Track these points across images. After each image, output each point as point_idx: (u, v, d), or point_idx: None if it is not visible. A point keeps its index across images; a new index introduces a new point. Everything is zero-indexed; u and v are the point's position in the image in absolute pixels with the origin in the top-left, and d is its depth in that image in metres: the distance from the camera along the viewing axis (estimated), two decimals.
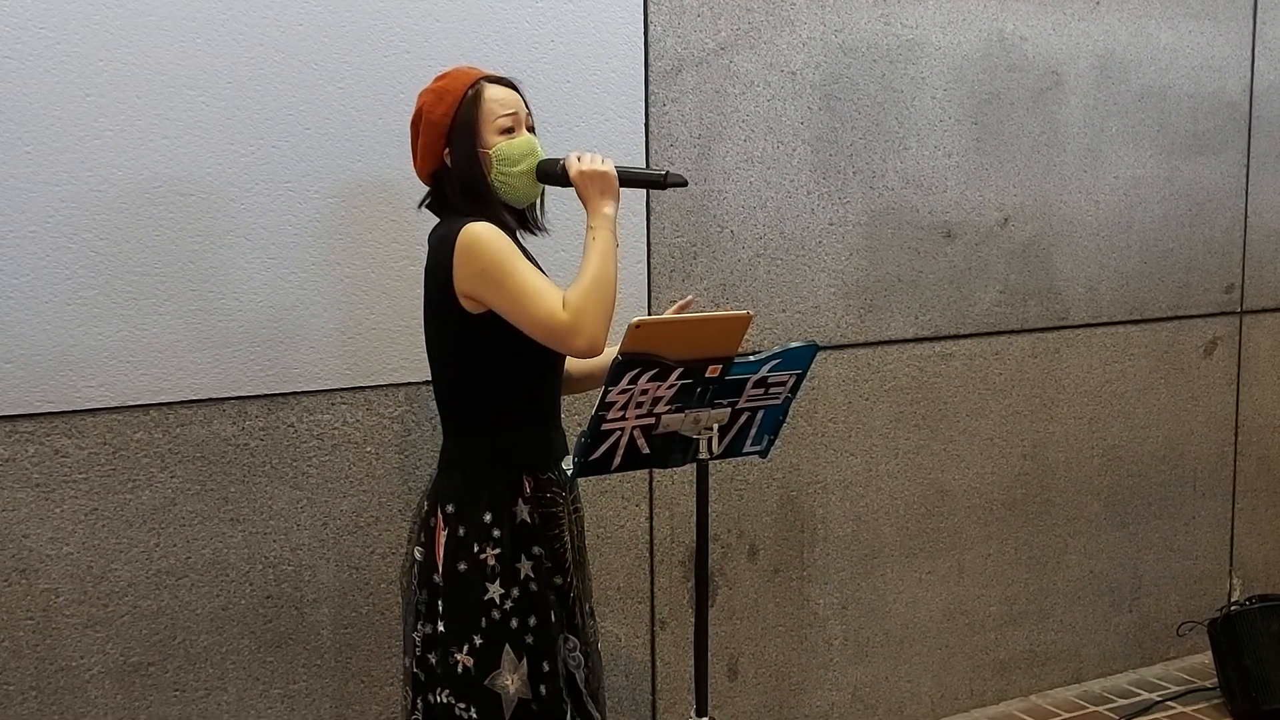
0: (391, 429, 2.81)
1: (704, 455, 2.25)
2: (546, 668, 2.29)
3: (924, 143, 3.47)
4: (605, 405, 2.07)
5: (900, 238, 3.47)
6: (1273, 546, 4.32)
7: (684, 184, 2.33)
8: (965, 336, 3.63)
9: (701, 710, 2.34)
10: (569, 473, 2.18)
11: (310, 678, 2.78)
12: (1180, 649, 4.14)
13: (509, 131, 2.29)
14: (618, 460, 2.17)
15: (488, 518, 2.27)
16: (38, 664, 2.52)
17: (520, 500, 2.29)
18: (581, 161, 2.28)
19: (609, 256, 2.24)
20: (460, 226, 2.22)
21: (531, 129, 2.36)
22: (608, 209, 2.27)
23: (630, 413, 2.11)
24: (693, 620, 3.19)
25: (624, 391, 2.08)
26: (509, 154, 2.28)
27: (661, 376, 2.10)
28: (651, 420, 2.16)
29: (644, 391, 2.10)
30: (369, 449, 2.79)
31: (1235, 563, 4.26)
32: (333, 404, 2.75)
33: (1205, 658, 3.93)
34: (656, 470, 3.14)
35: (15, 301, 2.44)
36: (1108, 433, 3.93)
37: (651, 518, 3.18)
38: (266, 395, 2.68)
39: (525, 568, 2.29)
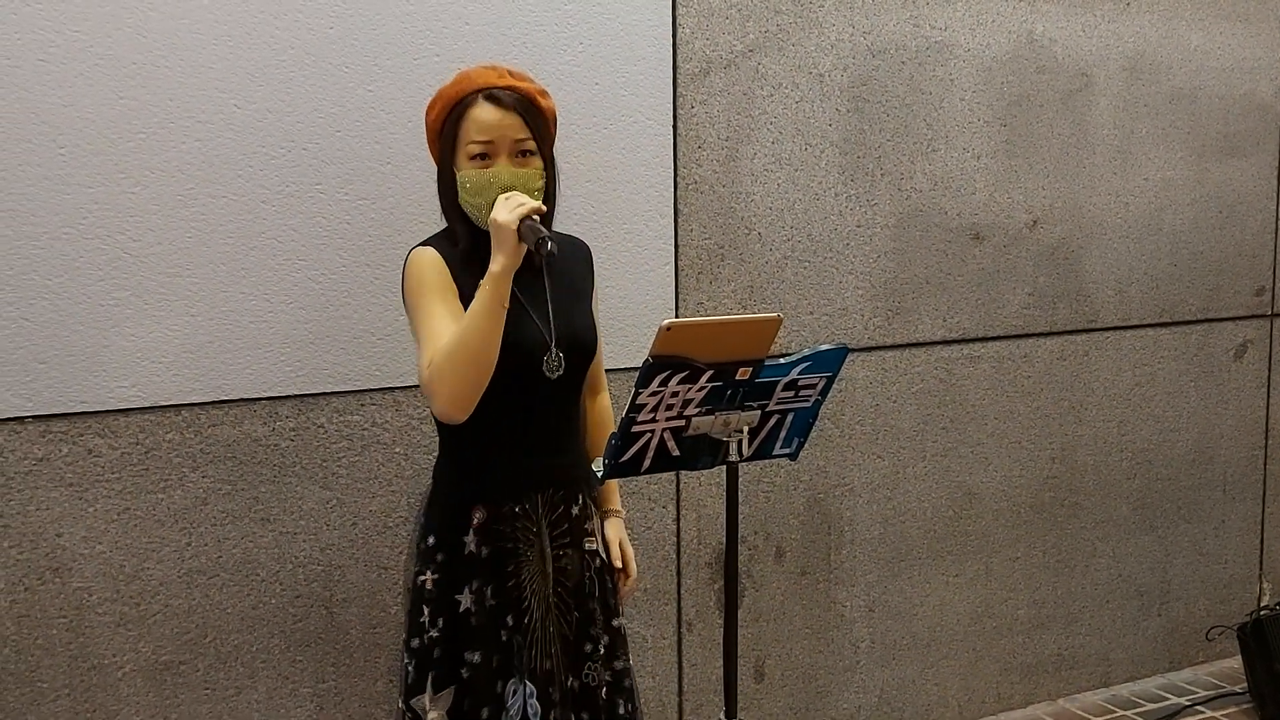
0: (420, 430, 2.81)
1: (734, 458, 2.24)
2: (467, 705, 2.19)
3: (952, 145, 3.46)
4: (636, 407, 2.07)
5: (928, 240, 3.46)
6: None
7: (553, 254, 2.01)
8: (993, 339, 3.61)
9: (731, 713, 2.32)
10: (599, 475, 2.18)
11: (339, 677, 2.79)
12: (1209, 653, 4.11)
13: (481, 158, 2.15)
14: (647, 462, 2.16)
15: (430, 540, 2.23)
16: (70, 662, 2.54)
17: (470, 530, 2.21)
18: (498, 207, 2.05)
19: (481, 317, 2.03)
20: (414, 247, 2.21)
21: (528, 153, 2.17)
22: (495, 265, 2.04)
23: (660, 415, 2.11)
24: (719, 622, 3.20)
25: (654, 394, 2.07)
26: (469, 185, 2.17)
27: (692, 379, 2.09)
28: (681, 422, 2.15)
29: (674, 394, 2.09)
30: (398, 450, 2.80)
31: (1265, 567, 4.23)
32: (362, 405, 2.76)
33: (1235, 662, 3.90)
34: (683, 472, 3.14)
35: (49, 302, 2.46)
36: (1137, 436, 3.91)
37: (678, 519, 3.18)
38: (297, 396, 2.69)
39: (465, 600, 2.20)
